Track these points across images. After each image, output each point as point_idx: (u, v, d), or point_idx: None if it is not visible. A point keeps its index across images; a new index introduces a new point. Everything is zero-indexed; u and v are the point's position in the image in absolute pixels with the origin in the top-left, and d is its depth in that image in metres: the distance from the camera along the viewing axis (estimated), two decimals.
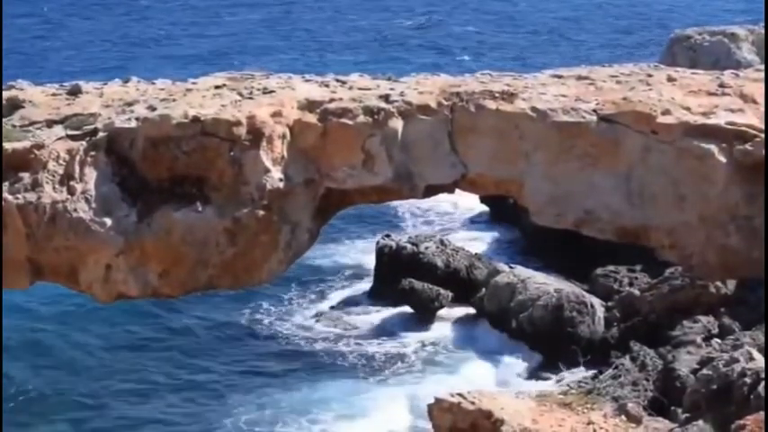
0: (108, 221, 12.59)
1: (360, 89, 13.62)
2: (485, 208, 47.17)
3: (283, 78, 14.09)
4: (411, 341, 36.42)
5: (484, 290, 37.11)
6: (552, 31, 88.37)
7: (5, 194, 12.51)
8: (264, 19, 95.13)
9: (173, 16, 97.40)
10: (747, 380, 20.51)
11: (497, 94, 13.08)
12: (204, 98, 13.25)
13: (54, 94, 13.99)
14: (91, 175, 12.71)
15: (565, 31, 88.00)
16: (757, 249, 12.38)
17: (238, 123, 12.62)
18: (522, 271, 37.24)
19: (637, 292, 34.67)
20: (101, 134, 12.82)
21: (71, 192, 12.61)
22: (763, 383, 19.40)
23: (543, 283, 35.88)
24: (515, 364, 34.17)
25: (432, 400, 18.97)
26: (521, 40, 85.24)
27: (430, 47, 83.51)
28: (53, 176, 12.64)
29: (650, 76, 13.83)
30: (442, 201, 46.52)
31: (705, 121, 12.50)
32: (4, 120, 13.13)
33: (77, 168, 12.67)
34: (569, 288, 35.83)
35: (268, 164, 12.70)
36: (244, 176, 12.70)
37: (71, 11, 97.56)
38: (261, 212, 12.71)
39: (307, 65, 65.02)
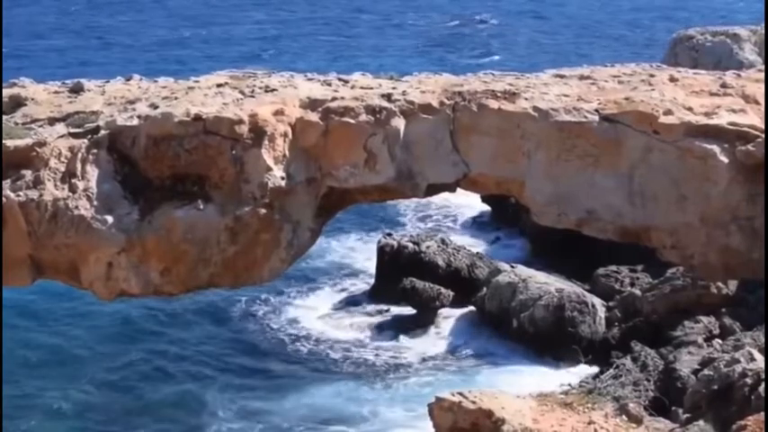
0: (109, 219, 12.60)
1: (362, 88, 13.63)
2: (486, 207, 47.16)
3: (285, 77, 14.10)
4: (412, 340, 36.40)
5: (485, 289, 37.09)
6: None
7: (7, 192, 12.51)
8: (282, 20, 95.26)
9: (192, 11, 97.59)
10: (748, 380, 20.51)
11: (499, 94, 13.08)
12: (206, 96, 13.25)
13: (56, 92, 14.01)
14: (92, 172, 12.71)
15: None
16: (758, 250, 12.37)
17: (240, 122, 12.62)
18: (524, 270, 37.22)
19: (638, 293, 34.66)
20: (103, 132, 12.82)
21: (73, 189, 12.61)
22: (763, 384, 19.40)
23: (544, 283, 35.86)
24: (516, 364, 34.15)
25: (432, 400, 18.96)
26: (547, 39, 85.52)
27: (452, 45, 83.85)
28: (55, 174, 12.64)
29: (652, 76, 13.83)
30: (444, 200, 46.54)
31: (707, 122, 12.50)
32: (6, 117, 13.14)
33: (79, 166, 12.67)
34: (570, 288, 35.83)
35: (270, 162, 12.70)
36: (245, 175, 12.70)
37: (89, 11, 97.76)
38: (262, 211, 12.71)
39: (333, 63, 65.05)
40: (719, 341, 29.97)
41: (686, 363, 28.85)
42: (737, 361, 21.09)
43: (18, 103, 13.61)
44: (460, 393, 18.61)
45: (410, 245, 39.42)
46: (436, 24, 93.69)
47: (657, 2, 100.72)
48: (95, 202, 12.63)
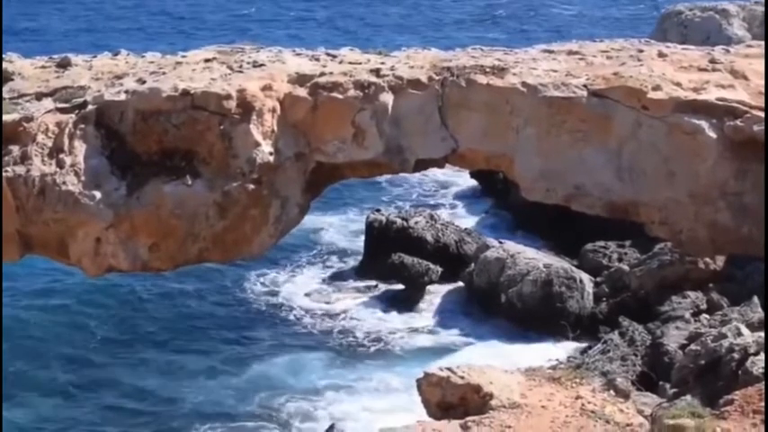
0: (97, 195, 12.57)
1: (350, 63, 13.60)
2: (475, 183, 47.14)
3: (273, 52, 14.06)
4: (400, 316, 36.45)
5: (473, 265, 37.13)
6: None
7: None
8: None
9: None
10: (735, 355, 20.64)
11: (488, 69, 13.07)
12: (194, 71, 13.21)
13: (43, 67, 13.95)
14: (80, 148, 12.68)
15: None
16: (746, 226, 12.41)
17: (228, 97, 12.59)
18: (512, 246, 37.24)
19: (626, 268, 34.75)
20: (90, 107, 12.78)
21: (60, 165, 12.57)
22: (750, 359, 19.53)
23: (532, 259, 35.90)
24: (504, 339, 34.22)
25: (421, 375, 18.98)
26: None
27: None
28: (42, 149, 12.60)
29: (641, 51, 13.82)
30: (432, 175, 46.52)
31: (695, 97, 12.51)
32: None
33: (66, 141, 12.63)
34: (558, 263, 35.87)
35: (258, 138, 12.68)
36: (234, 150, 12.68)
37: None
38: (251, 186, 12.69)
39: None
40: (707, 316, 30.08)
41: (674, 338, 28.97)
42: (725, 336, 21.24)
43: (5, 77, 13.54)
44: (449, 368, 18.57)
45: (398, 220, 39.39)
46: None
47: None
48: (83, 178, 12.60)
